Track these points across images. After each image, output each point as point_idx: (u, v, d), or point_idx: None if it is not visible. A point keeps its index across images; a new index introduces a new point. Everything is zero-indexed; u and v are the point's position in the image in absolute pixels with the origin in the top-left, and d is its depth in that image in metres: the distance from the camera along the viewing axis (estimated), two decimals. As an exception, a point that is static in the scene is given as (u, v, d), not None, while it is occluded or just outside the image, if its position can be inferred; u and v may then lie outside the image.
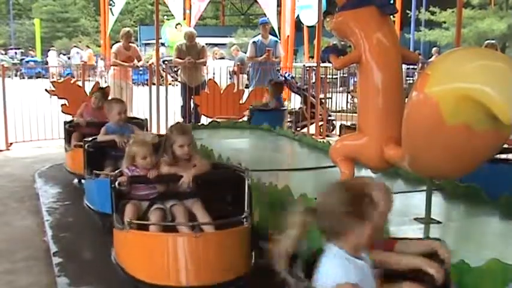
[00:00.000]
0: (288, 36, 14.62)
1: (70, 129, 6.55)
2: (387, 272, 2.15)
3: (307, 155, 6.11)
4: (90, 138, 5.17)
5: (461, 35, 7.58)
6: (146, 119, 6.79)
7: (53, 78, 14.13)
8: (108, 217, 3.88)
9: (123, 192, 3.62)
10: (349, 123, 9.75)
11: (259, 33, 10.58)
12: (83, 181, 5.66)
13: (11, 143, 8.84)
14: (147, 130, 6.05)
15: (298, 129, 10.01)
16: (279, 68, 11.97)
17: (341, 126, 8.52)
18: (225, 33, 33.15)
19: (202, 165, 3.72)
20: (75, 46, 29.73)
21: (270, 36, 10.43)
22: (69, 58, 29.54)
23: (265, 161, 5.68)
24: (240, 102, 8.71)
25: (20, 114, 8.90)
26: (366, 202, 2.01)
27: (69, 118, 8.67)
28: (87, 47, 30.68)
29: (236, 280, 3.28)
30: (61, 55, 30.83)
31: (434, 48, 22.06)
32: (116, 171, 3.74)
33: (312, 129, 9.75)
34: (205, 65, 9.95)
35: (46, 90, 8.95)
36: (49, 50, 31.09)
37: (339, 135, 8.05)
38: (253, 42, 10.29)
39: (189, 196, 3.67)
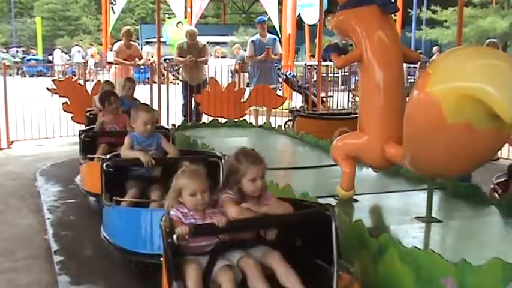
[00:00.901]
0: (289, 34, 14.63)
1: (86, 139, 5.63)
2: None
3: (308, 153, 6.11)
4: (108, 156, 4.34)
5: (462, 34, 7.56)
6: (173, 127, 6.41)
7: (58, 76, 14.18)
8: (132, 255, 3.65)
9: (176, 246, 2.58)
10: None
11: (257, 32, 10.56)
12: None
13: (12, 141, 8.85)
14: (173, 141, 5.39)
15: (299, 127, 9.99)
16: (280, 67, 11.98)
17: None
18: (226, 32, 33.11)
19: (278, 205, 2.87)
20: (76, 45, 29.72)
21: (269, 35, 10.41)
22: (70, 57, 29.55)
23: (266, 159, 5.66)
24: (241, 100, 8.70)
25: (21, 113, 8.91)
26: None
27: (67, 116, 8.78)
28: (91, 45, 30.69)
29: None
30: (62, 53, 30.80)
31: (435, 47, 22.03)
32: (163, 217, 2.68)
33: (313, 127, 9.72)
34: (206, 63, 9.95)
35: (47, 88, 8.96)
36: (54, 49, 31.09)
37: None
38: (252, 41, 10.30)
39: (254, 243, 2.78)
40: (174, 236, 2.48)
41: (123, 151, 4.23)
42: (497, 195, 4.26)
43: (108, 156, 4.30)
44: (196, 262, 2.61)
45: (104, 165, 4.09)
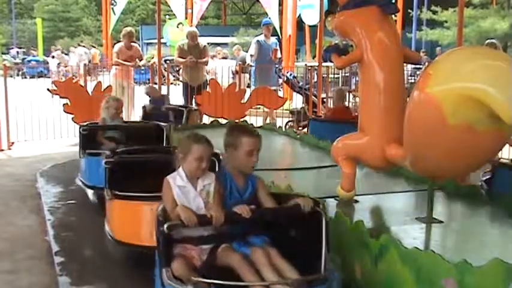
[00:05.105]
0: (290, 35, 14.63)
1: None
2: None
3: (309, 154, 6.11)
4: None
5: (463, 35, 7.56)
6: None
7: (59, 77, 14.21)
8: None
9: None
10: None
11: (261, 33, 10.84)
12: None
13: (13, 143, 8.84)
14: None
15: (300, 128, 10.01)
16: (280, 68, 12.04)
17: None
18: (226, 33, 33.17)
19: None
20: (83, 46, 29.78)
21: (271, 37, 10.72)
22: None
23: (267, 160, 5.65)
24: (242, 101, 8.71)
25: (21, 114, 8.91)
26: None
27: (68, 117, 8.78)
28: (92, 46, 30.73)
29: None
30: (63, 54, 30.80)
31: (438, 48, 22.01)
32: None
33: (314, 128, 9.72)
34: (207, 64, 9.98)
35: (48, 89, 8.96)
36: (56, 51, 31.10)
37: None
38: (258, 41, 10.65)
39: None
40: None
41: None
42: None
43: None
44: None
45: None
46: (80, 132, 5.77)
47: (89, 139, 5.68)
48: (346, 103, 12.29)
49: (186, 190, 2.76)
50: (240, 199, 2.84)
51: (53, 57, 27.95)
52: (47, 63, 27.28)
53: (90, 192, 5.79)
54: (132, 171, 4.14)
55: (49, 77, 15.71)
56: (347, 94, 12.60)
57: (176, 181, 2.77)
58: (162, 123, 6.03)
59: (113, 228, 4.09)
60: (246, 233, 2.78)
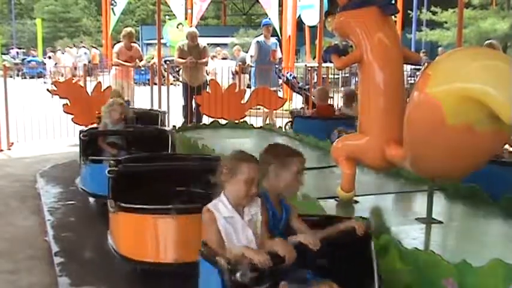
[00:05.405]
0: (290, 36, 14.63)
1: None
2: None
3: (309, 154, 6.10)
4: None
5: (462, 35, 7.55)
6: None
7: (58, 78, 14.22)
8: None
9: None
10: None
11: (261, 34, 10.87)
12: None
13: (13, 143, 8.84)
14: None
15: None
16: (280, 68, 12.06)
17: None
18: (226, 33, 33.17)
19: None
20: (83, 46, 29.80)
21: (271, 38, 10.74)
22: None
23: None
24: (242, 102, 8.71)
25: (21, 114, 8.91)
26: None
27: (68, 117, 8.78)
28: (92, 46, 30.74)
29: None
30: (61, 54, 30.82)
31: (440, 48, 21.99)
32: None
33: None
34: (206, 65, 9.99)
35: (48, 90, 8.96)
36: (51, 52, 31.12)
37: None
38: (257, 42, 10.67)
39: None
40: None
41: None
42: None
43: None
44: None
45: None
46: (80, 138, 5.58)
47: (90, 145, 5.49)
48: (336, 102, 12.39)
49: (234, 220, 2.35)
50: (278, 226, 2.51)
51: (49, 57, 28.01)
52: (45, 64, 27.32)
53: (91, 198, 5.75)
54: (137, 181, 3.97)
55: (47, 78, 15.71)
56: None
57: (220, 211, 2.36)
58: (166, 128, 5.92)
59: (117, 242, 3.81)
60: (294, 267, 2.34)
